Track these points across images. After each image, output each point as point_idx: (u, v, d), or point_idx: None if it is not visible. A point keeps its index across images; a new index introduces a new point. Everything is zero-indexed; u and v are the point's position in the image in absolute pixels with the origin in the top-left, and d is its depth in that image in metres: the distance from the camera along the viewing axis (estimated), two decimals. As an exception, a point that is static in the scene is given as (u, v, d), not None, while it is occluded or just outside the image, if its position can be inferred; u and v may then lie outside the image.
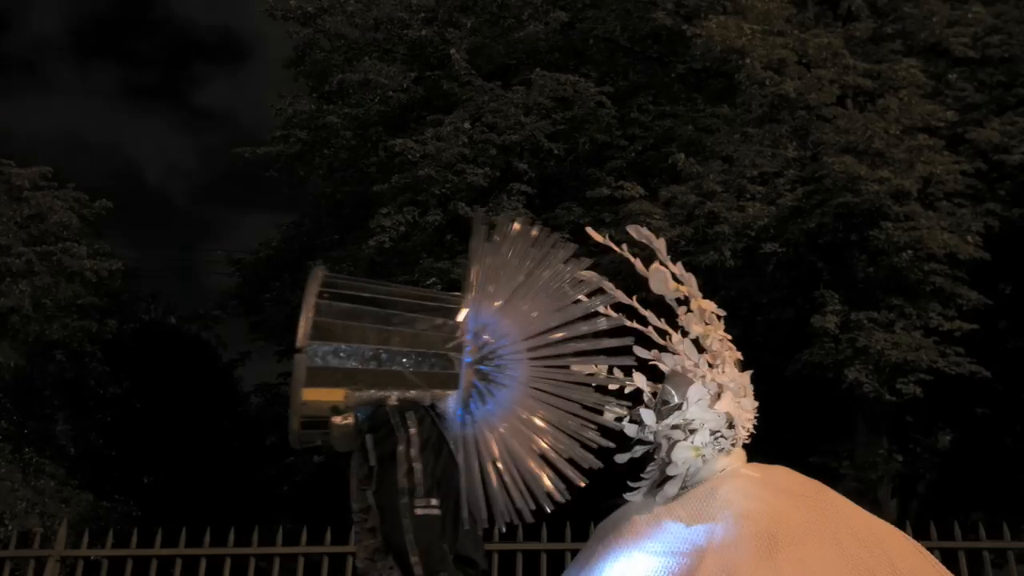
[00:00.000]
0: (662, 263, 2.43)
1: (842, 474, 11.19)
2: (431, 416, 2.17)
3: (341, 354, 2.14)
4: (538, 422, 2.28)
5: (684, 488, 2.23)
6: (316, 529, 5.18)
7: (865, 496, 10.74)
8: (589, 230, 2.51)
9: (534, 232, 2.36)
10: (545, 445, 2.27)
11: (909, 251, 9.84)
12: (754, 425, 2.41)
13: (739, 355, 2.48)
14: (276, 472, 16.27)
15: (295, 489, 15.66)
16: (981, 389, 10.70)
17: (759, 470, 2.29)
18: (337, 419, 2.15)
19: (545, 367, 2.31)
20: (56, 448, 14.35)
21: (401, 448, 2.07)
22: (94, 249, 14.47)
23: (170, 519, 6.68)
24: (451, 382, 2.20)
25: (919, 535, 5.06)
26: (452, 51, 12.61)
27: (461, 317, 2.23)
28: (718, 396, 2.32)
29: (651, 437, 2.33)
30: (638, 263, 2.48)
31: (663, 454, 2.27)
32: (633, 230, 2.45)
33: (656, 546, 2.06)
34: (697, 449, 2.26)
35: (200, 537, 5.12)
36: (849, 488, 10.95)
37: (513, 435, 2.26)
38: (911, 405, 10.38)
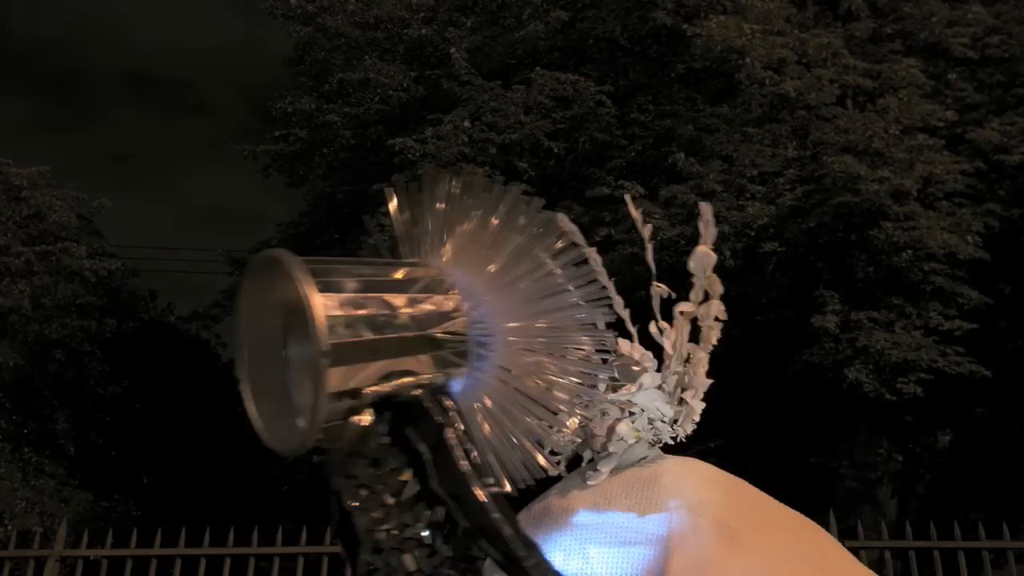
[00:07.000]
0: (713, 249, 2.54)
1: (842, 474, 11.20)
2: (452, 398, 2.12)
3: (360, 351, 2.02)
4: (515, 397, 2.26)
5: (614, 470, 2.20)
6: (316, 529, 5.18)
7: (865, 496, 10.76)
8: (628, 198, 2.60)
9: (489, 187, 2.30)
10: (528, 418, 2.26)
11: (909, 251, 9.84)
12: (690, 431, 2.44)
13: (706, 368, 2.50)
14: (276, 472, 16.26)
15: (295, 489, 15.66)
16: (981, 389, 10.70)
17: (681, 460, 2.28)
18: (355, 419, 2.04)
19: (523, 345, 2.25)
20: (56, 448, 14.35)
21: (451, 433, 2.01)
22: (93, 248, 14.46)
23: (170, 519, 6.68)
24: (462, 361, 2.14)
25: (919, 535, 5.06)
26: (452, 50, 12.60)
27: (457, 293, 2.15)
28: (674, 392, 2.33)
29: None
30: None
31: (595, 427, 2.26)
32: (705, 208, 2.55)
33: (608, 538, 2.00)
34: (637, 432, 2.24)
35: (200, 537, 5.11)
36: (849, 488, 10.97)
37: (498, 408, 2.25)
38: (911, 405, 10.37)
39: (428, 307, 2.12)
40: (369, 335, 2.01)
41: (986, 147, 10.61)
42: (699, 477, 2.18)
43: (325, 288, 1.96)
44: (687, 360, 2.43)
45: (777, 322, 11.25)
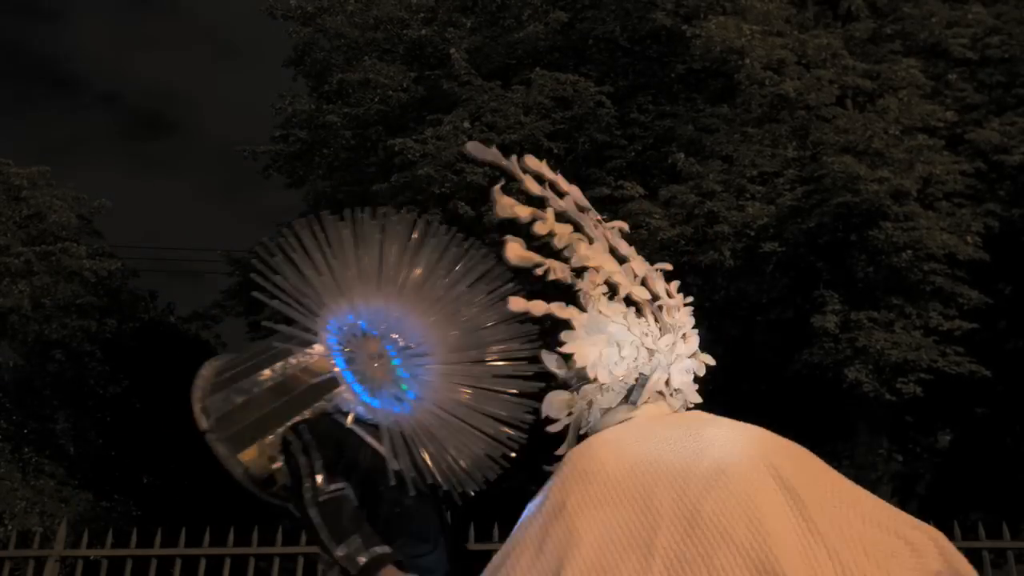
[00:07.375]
0: (517, 181, 2.03)
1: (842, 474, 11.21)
2: (327, 418, 2.35)
3: (248, 430, 2.42)
4: (463, 399, 2.36)
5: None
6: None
7: (864, 496, 10.75)
8: (472, 145, 2.07)
9: (409, 226, 2.41)
10: (481, 415, 2.36)
11: (909, 251, 9.84)
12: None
13: (639, 293, 2.04)
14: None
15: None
16: (981, 389, 10.70)
17: (628, 424, 1.88)
18: (277, 464, 2.37)
19: (453, 347, 2.41)
20: (56, 448, 14.34)
21: (301, 459, 2.26)
22: (93, 248, 14.46)
23: (170, 519, 6.67)
24: (331, 383, 2.34)
25: (919, 535, 5.05)
26: (452, 51, 12.60)
27: (319, 323, 2.32)
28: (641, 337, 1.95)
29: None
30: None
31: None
32: (473, 147, 2.04)
33: (515, 531, 1.78)
34: (569, 402, 1.90)
35: (200, 537, 5.12)
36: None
37: (450, 411, 2.32)
38: (911, 405, 10.37)
39: (304, 358, 2.46)
40: (242, 422, 2.43)
41: (986, 147, 10.61)
42: (602, 442, 1.78)
43: (215, 379, 2.59)
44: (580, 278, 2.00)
45: (777, 322, 11.25)
